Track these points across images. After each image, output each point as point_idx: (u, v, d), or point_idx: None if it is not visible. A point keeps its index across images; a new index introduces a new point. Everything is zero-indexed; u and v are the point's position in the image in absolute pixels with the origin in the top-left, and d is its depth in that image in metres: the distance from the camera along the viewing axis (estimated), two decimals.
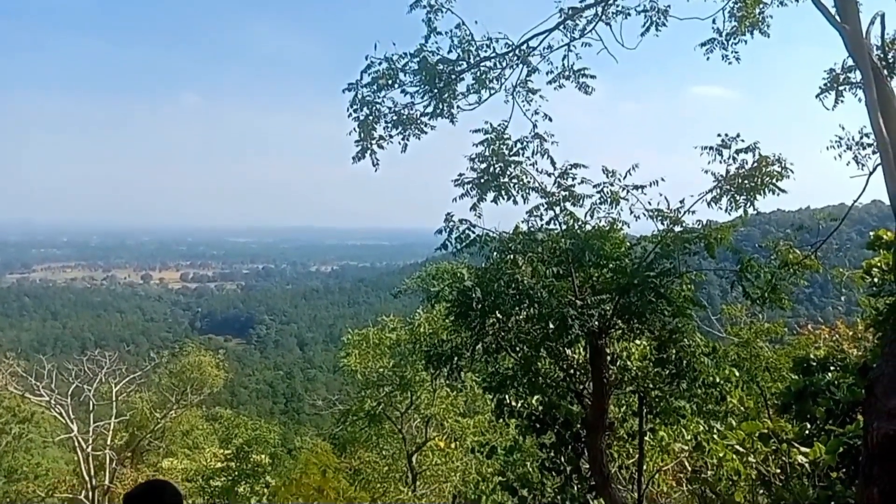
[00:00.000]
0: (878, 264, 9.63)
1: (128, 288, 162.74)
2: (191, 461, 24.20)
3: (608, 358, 6.97)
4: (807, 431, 7.96)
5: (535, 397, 7.85)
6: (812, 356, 10.26)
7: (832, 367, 9.31)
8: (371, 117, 6.99)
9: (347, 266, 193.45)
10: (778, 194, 5.84)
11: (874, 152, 5.52)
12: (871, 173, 5.56)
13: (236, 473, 24.35)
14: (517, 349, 7.24)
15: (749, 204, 5.94)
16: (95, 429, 22.37)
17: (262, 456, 24.78)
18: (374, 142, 7.17)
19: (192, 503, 23.37)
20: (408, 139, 7.21)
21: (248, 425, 26.71)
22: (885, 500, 3.79)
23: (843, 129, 7.01)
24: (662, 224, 6.26)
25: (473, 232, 6.21)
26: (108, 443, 22.21)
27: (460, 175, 6.38)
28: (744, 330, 15.98)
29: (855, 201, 6.05)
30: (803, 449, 6.92)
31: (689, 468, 9.53)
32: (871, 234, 10.15)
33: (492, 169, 6.20)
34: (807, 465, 6.88)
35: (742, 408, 11.00)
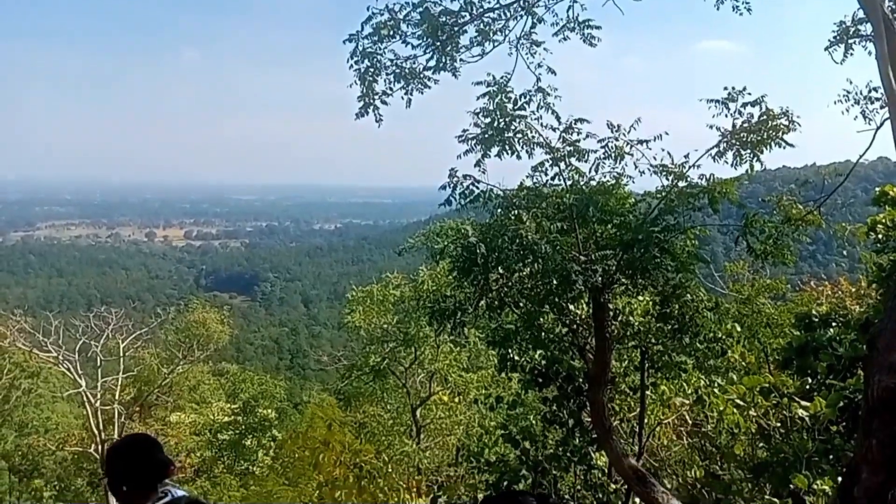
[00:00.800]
0: (883, 220, 9.60)
1: (132, 245, 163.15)
2: (198, 415, 24.59)
3: (611, 313, 7.00)
4: (807, 386, 8.03)
5: (538, 352, 7.92)
6: (814, 312, 10.29)
7: (834, 324, 9.34)
8: (372, 69, 6.88)
9: (351, 224, 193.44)
10: (784, 148, 5.79)
11: (882, 107, 5.45)
12: (878, 128, 5.50)
13: (243, 427, 24.78)
14: (520, 305, 7.28)
15: (755, 158, 5.89)
16: (103, 384, 22.65)
17: (269, 410, 25.17)
18: (376, 97, 7.08)
19: (200, 455, 23.83)
20: (411, 94, 7.11)
21: (255, 380, 27.06)
22: (883, 451, 3.84)
23: (851, 83, 6.92)
24: (667, 179, 6.23)
25: (477, 188, 6.17)
26: (116, 397, 22.53)
27: (464, 131, 6.32)
28: (746, 287, 16.00)
29: (861, 156, 6.00)
30: (804, 403, 6.98)
31: (690, 422, 9.65)
32: (877, 190, 10.09)
33: (496, 123, 6.14)
34: (807, 419, 6.95)
35: (743, 363, 11.10)
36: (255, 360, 66.91)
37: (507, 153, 6.13)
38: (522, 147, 6.12)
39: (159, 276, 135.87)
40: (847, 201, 6.89)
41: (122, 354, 23.35)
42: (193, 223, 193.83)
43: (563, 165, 6.19)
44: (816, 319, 9.64)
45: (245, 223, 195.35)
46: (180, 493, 3.52)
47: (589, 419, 8.03)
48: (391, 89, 6.97)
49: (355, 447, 14.05)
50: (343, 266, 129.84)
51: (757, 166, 5.94)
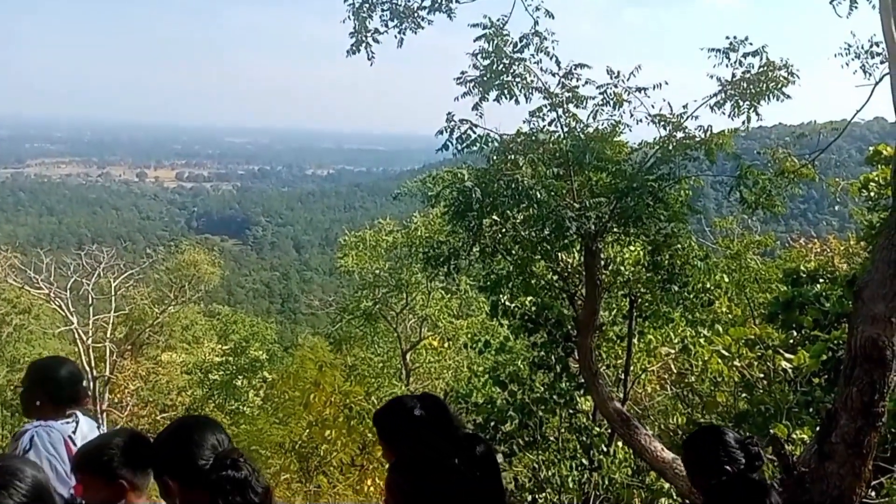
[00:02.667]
0: (876, 179, 9.64)
1: (123, 185, 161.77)
2: (189, 355, 24.81)
3: (602, 262, 7.06)
4: (792, 340, 8.16)
5: (529, 298, 8.00)
6: (802, 268, 10.41)
7: (821, 280, 9.45)
8: (367, 4, 6.71)
9: (343, 170, 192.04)
10: (782, 101, 5.77)
11: (882, 62, 5.42)
12: (876, 83, 5.48)
13: (234, 368, 25.05)
14: (513, 252, 7.33)
15: (752, 110, 5.88)
16: (95, 322, 22.75)
17: (260, 352, 25.41)
18: (369, 34, 6.92)
19: (191, 394, 24.13)
20: (404, 33, 6.94)
21: (246, 322, 27.23)
22: (862, 398, 3.97)
23: (854, 35, 6.87)
24: (664, 129, 6.22)
25: (475, 132, 6.14)
26: (108, 335, 22.67)
27: (462, 72, 6.24)
28: (735, 242, 16.10)
29: (858, 110, 6.01)
30: (787, 355, 7.09)
31: (675, 371, 9.84)
32: (870, 149, 10.11)
33: (495, 66, 6.07)
34: (790, 371, 7.07)
35: (729, 315, 11.26)
36: (247, 303, 67.12)
37: (506, 97, 6.08)
38: (521, 91, 6.07)
39: (150, 216, 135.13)
40: (842, 160, 6.90)
41: (113, 293, 23.41)
42: (185, 164, 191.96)
43: (560, 111, 6.16)
44: (804, 275, 9.74)
45: (237, 166, 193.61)
46: (87, 421, 3.60)
47: (576, 364, 8.18)
48: (386, 27, 6.81)
49: (345, 389, 14.24)
50: (335, 212, 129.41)
51: (754, 119, 5.94)
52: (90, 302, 23.04)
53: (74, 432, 3.50)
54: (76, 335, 22.17)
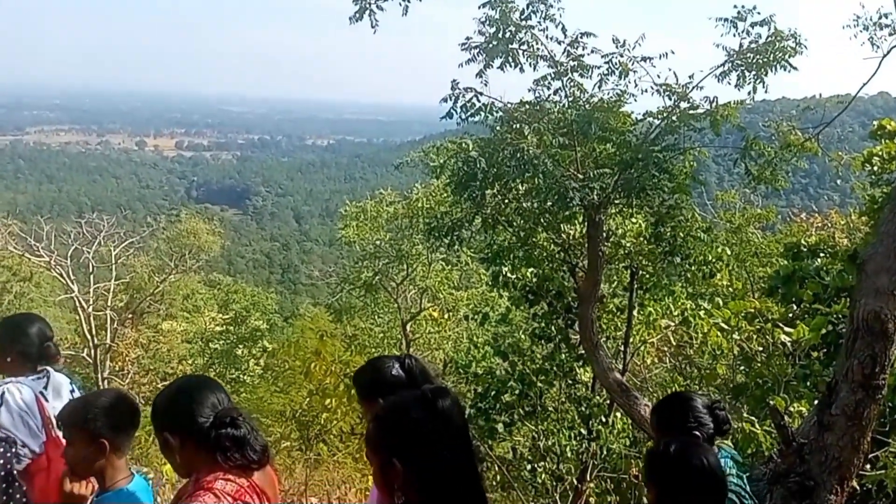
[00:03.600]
0: (880, 153, 9.59)
1: (122, 154, 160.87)
2: (190, 324, 24.90)
3: (604, 233, 7.05)
4: (791, 314, 8.17)
5: (530, 270, 8.00)
6: (803, 242, 10.39)
7: (822, 254, 9.44)
8: None
9: (344, 141, 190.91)
10: (789, 71, 5.71)
11: (891, 34, 5.36)
12: (884, 56, 5.42)
13: (234, 337, 25.16)
14: (514, 223, 7.31)
15: (759, 81, 5.82)
16: (95, 290, 22.74)
17: (260, 322, 25.50)
18: (373, 1, 6.80)
19: (192, 363, 24.24)
20: (409, 0, 6.83)
21: (247, 292, 27.29)
22: (863, 371, 3.98)
23: (863, 7, 6.78)
24: (669, 99, 6.16)
25: (479, 100, 6.07)
26: (109, 303, 22.69)
27: (468, 38, 6.16)
28: (736, 215, 16.06)
29: (865, 84, 5.94)
30: (787, 329, 7.10)
31: (674, 343, 9.87)
32: (875, 122, 10.04)
33: (501, 33, 5.98)
34: (789, 344, 7.09)
35: (730, 289, 11.26)
36: (247, 273, 67.27)
37: (510, 65, 6.00)
38: (526, 59, 6.00)
39: (150, 185, 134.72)
40: (845, 134, 6.85)
41: (113, 261, 23.38)
42: (184, 133, 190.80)
43: (565, 80, 6.09)
44: (805, 249, 9.72)
45: (237, 135, 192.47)
46: (58, 377, 3.67)
47: (576, 336, 8.21)
48: None
49: (346, 358, 14.33)
50: (335, 183, 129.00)
51: (760, 90, 5.88)
52: (90, 270, 23.01)
53: (45, 388, 3.58)
54: (77, 303, 22.18)
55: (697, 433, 2.97)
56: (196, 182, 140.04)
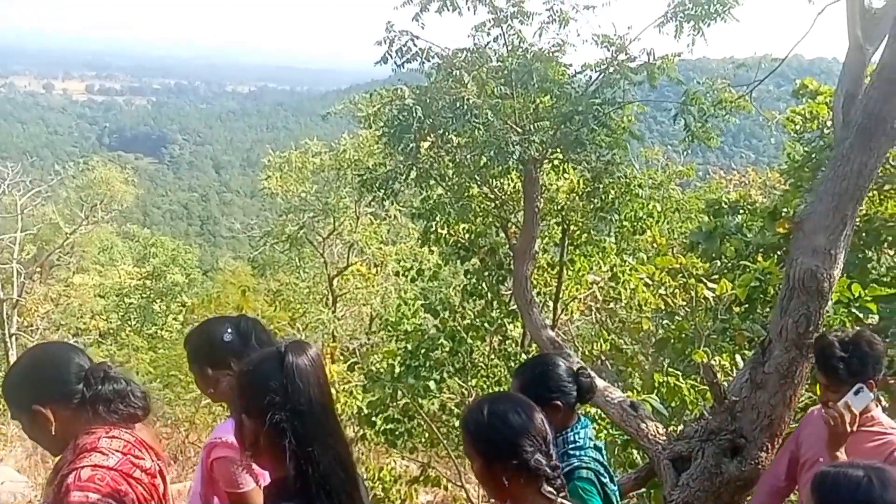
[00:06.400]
0: (802, 112, 9.82)
1: (28, 97, 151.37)
2: (104, 278, 23.90)
3: (540, 188, 6.94)
4: (714, 270, 8.33)
5: (463, 225, 7.87)
6: (724, 199, 10.64)
7: (742, 211, 9.68)
8: None
9: (266, 88, 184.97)
10: (727, 21, 5.64)
11: None
12: (819, 13, 5.41)
13: (152, 292, 24.31)
14: (449, 177, 7.11)
15: (698, 32, 5.74)
16: (0, 241, 21.57)
17: (179, 276, 24.71)
18: None
19: (106, 318, 23.35)
20: None
21: (167, 245, 26.35)
22: (797, 329, 3.99)
23: None
24: (608, 51, 6.03)
25: (416, 45, 5.79)
26: (15, 256, 21.50)
27: None
28: (658, 172, 16.33)
29: (799, 41, 5.91)
30: (710, 285, 7.21)
31: (601, 298, 9.99)
32: (797, 82, 10.26)
33: None
34: (711, 299, 7.20)
35: (654, 244, 11.46)
36: (163, 224, 65.11)
37: (448, 8, 5.72)
38: (466, 3, 5.73)
39: (58, 131, 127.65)
40: (759, 94, 6.91)
41: (19, 211, 22.12)
42: (95, 76, 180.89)
43: (505, 27, 5.87)
44: (726, 206, 9.95)
45: (152, 80, 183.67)
46: None
47: (507, 292, 8.15)
48: None
49: (269, 314, 14.00)
50: (257, 132, 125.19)
51: (702, 44, 5.80)
52: None
53: None
54: None
55: (559, 402, 2.80)
56: (108, 128, 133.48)
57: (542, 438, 2.16)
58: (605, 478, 2.78)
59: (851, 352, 3.05)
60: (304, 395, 1.83)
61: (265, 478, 2.12)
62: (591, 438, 2.87)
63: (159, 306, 23.95)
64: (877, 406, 3.18)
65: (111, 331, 23.15)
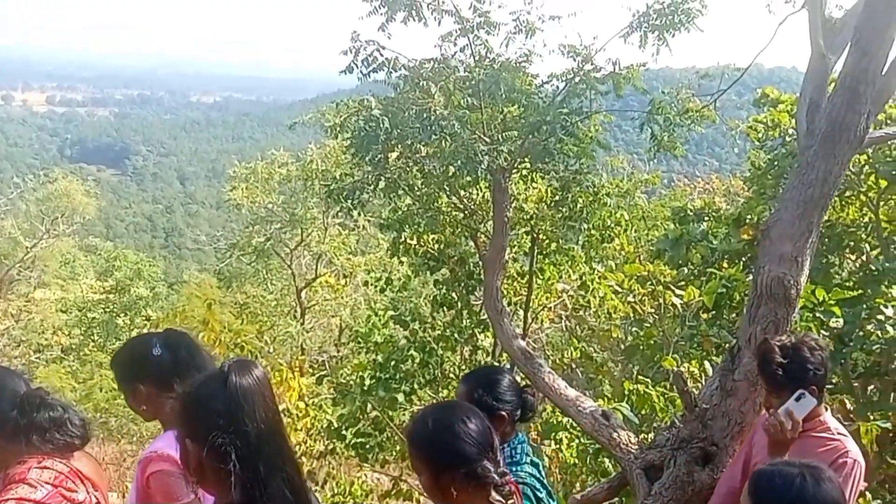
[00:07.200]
0: (764, 120, 10.01)
1: None
2: (66, 292, 23.41)
3: (510, 198, 6.94)
4: (681, 277, 8.42)
5: (432, 236, 7.84)
6: (689, 207, 10.78)
7: (707, 218, 9.81)
8: None
9: (231, 98, 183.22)
10: (690, 31, 5.70)
11: (786, 1, 5.42)
12: (781, 23, 5.50)
13: (116, 306, 23.83)
14: (417, 187, 7.08)
15: (662, 42, 5.79)
16: None
17: (143, 290, 24.27)
18: None
19: (68, 333, 22.84)
20: None
21: (130, 259, 25.89)
22: (766, 335, 4.02)
23: None
24: (574, 61, 6.07)
25: (382, 55, 5.75)
26: None
27: None
28: (624, 181, 16.47)
29: (762, 50, 5.99)
30: (678, 291, 7.27)
31: (570, 306, 10.03)
32: (758, 91, 10.45)
33: None
34: (679, 306, 7.26)
35: (622, 252, 11.56)
36: (127, 237, 64.02)
37: (414, 19, 5.70)
38: (431, 13, 5.71)
39: (18, 143, 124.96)
40: (721, 103, 7.00)
41: None
42: (56, 87, 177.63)
43: (471, 37, 5.86)
44: (691, 214, 10.08)
45: (114, 90, 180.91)
46: None
47: (477, 302, 8.13)
48: None
49: (236, 327, 13.77)
50: (222, 142, 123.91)
51: (666, 53, 5.85)
52: None
53: None
54: None
55: (504, 412, 2.75)
56: (70, 140, 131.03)
57: (490, 446, 2.13)
58: (541, 493, 2.74)
59: (791, 357, 3.02)
60: (248, 416, 1.76)
61: (206, 498, 2.06)
62: (527, 454, 2.83)
63: (123, 321, 23.46)
64: (826, 410, 3.18)
65: (74, 346, 22.64)
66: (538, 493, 2.72)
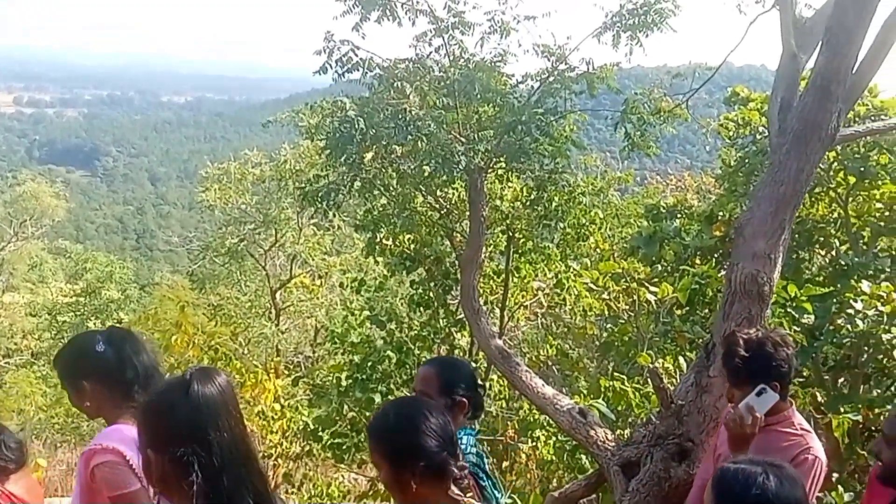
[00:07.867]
0: (735, 119, 10.13)
1: None
2: (35, 296, 23.04)
3: (486, 197, 6.96)
4: (655, 274, 8.49)
5: (408, 236, 7.83)
6: (662, 204, 10.88)
7: (680, 215, 9.91)
8: None
9: (203, 98, 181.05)
10: (664, 31, 5.75)
11: (756, 1, 5.49)
12: (751, 22, 5.56)
13: (86, 309, 23.48)
14: (394, 187, 7.07)
15: (636, 42, 5.84)
16: None
17: (114, 292, 23.95)
18: None
19: (38, 337, 22.47)
20: None
21: (100, 261, 25.54)
22: None
23: None
24: (549, 61, 6.10)
25: (356, 55, 5.73)
26: None
27: None
28: (597, 179, 16.56)
29: (733, 49, 6.08)
30: (652, 288, 7.34)
31: (546, 304, 10.07)
32: (729, 89, 10.57)
33: None
34: (653, 303, 7.33)
35: (597, 250, 11.64)
36: (97, 239, 63.07)
37: (388, 19, 5.69)
38: (405, 13, 5.70)
39: None
40: (692, 102, 7.08)
41: None
42: (24, 88, 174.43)
43: (446, 37, 5.86)
44: (664, 211, 10.18)
45: (83, 91, 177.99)
46: None
47: (454, 301, 8.13)
48: None
49: (210, 329, 13.63)
50: (194, 143, 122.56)
51: (639, 52, 5.90)
52: None
53: None
54: None
55: (466, 399, 2.78)
56: (38, 141, 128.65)
57: (449, 439, 2.16)
58: (484, 482, 2.76)
59: (754, 352, 3.02)
60: (212, 426, 1.73)
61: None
62: (472, 445, 2.85)
63: (94, 324, 23.12)
64: (791, 405, 3.18)
65: (44, 351, 22.27)
66: (481, 482, 2.73)
